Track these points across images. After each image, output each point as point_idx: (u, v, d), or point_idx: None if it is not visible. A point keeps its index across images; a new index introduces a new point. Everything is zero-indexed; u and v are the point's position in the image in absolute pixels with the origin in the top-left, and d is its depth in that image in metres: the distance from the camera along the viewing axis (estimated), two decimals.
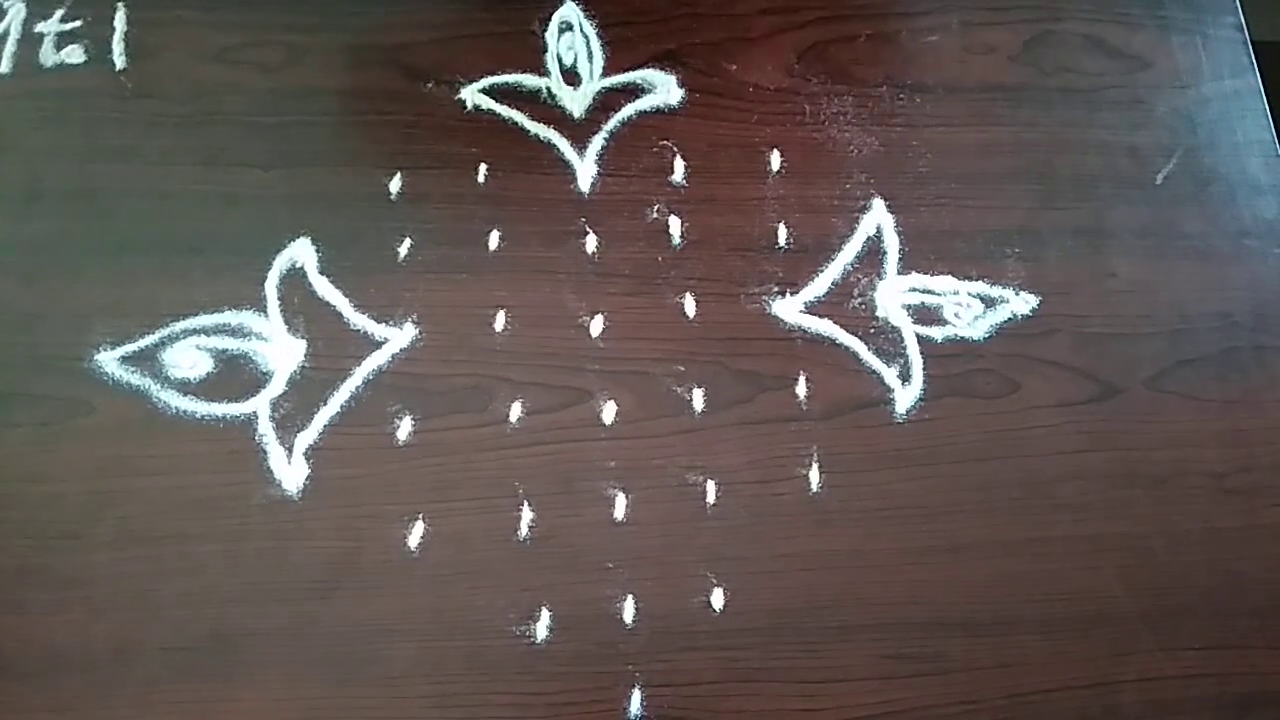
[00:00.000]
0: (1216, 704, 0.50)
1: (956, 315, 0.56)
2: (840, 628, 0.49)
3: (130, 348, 0.51)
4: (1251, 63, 0.64)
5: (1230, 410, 0.56)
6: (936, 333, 0.55)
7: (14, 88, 0.56)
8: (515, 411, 0.51)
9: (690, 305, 0.55)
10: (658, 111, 0.59)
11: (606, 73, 0.59)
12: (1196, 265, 0.59)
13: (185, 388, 0.50)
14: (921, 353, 0.55)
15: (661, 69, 0.60)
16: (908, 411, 0.54)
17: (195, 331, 0.52)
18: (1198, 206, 0.60)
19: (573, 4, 0.61)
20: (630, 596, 0.49)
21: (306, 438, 0.50)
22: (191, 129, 0.56)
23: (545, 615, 0.48)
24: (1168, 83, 0.63)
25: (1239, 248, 0.59)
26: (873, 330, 0.55)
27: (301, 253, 0.53)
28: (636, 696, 0.47)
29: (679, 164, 0.57)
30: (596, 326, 0.53)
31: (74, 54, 0.57)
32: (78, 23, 0.58)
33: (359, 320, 0.52)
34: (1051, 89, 0.62)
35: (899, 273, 0.56)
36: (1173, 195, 0.60)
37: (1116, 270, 0.58)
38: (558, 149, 0.57)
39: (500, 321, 0.53)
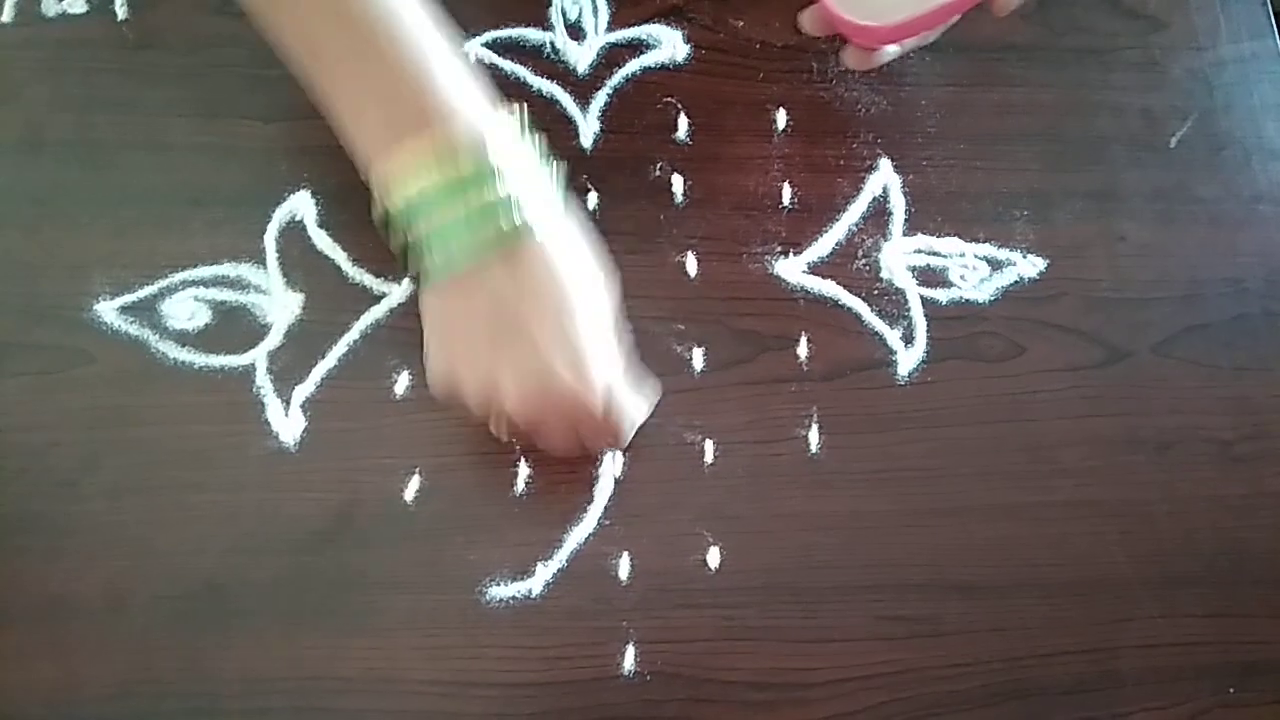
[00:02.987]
0: (1217, 672, 0.50)
1: (962, 278, 0.55)
2: (837, 588, 0.49)
3: (129, 298, 0.51)
4: (1271, 25, 0.63)
5: (1239, 377, 0.55)
6: (941, 295, 0.55)
7: (15, 37, 0.56)
8: None
9: (692, 264, 0.54)
10: (663, 68, 0.58)
11: (611, 28, 0.58)
12: (1209, 230, 0.58)
13: (183, 339, 0.50)
14: (925, 315, 0.54)
15: (667, 24, 0.58)
16: (910, 374, 0.53)
17: (194, 283, 0.51)
18: (1211, 170, 0.59)
19: None
20: (626, 554, 0.49)
21: (304, 390, 0.50)
22: (192, 80, 0.55)
23: (540, 570, 0.48)
24: (1184, 44, 0.62)
25: (1252, 213, 0.58)
26: (876, 291, 0.54)
27: (301, 206, 0.53)
28: (630, 652, 0.47)
29: (683, 121, 0.57)
30: None
31: (75, 4, 0.56)
32: None
33: (357, 274, 0.52)
34: (1064, 49, 0.61)
35: (904, 234, 0.56)
36: (1186, 159, 0.59)
37: (1127, 234, 0.57)
38: (561, 104, 0.56)
39: None
